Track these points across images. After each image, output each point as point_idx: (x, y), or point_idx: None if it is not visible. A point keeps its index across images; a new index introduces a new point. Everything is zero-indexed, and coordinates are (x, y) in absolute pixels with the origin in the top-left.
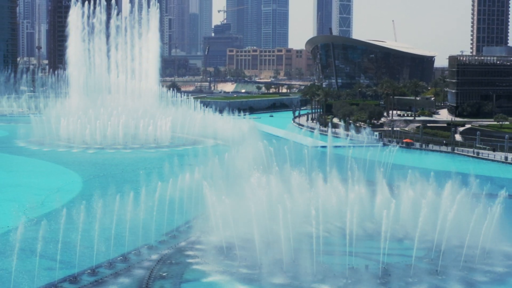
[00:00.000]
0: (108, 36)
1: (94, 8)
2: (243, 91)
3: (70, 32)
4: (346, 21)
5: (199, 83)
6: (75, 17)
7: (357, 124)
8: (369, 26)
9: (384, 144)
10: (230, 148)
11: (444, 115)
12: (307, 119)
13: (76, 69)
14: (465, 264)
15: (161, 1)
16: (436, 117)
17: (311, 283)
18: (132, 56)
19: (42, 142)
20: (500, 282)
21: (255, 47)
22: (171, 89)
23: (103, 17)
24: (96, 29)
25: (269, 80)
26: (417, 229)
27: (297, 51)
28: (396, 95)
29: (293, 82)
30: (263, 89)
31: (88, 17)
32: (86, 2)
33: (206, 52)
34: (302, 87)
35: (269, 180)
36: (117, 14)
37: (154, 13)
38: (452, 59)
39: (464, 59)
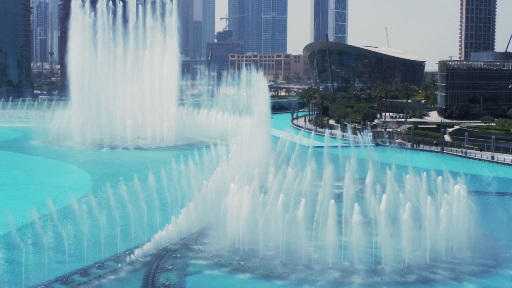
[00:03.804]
0: (118, 40)
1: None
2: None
3: (73, 36)
4: (341, 28)
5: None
6: (79, 20)
7: (352, 126)
8: (363, 33)
9: (377, 144)
10: (239, 148)
11: (434, 116)
12: (305, 121)
13: (79, 73)
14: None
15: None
16: (426, 119)
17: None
18: (151, 60)
19: (54, 142)
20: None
21: (255, 53)
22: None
23: (110, 21)
24: (103, 34)
25: (269, 84)
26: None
27: (295, 57)
28: (389, 98)
29: (291, 86)
30: None
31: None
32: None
33: (209, 57)
34: (300, 91)
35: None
36: (124, 20)
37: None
38: (442, 64)
39: (453, 63)
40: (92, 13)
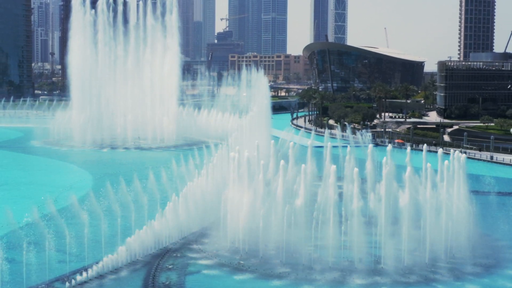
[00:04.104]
0: (117, 39)
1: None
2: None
3: (74, 36)
4: (341, 29)
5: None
6: (79, 20)
7: (352, 126)
8: (362, 33)
9: (377, 144)
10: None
11: (433, 117)
12: (305, 121)
13: (80, 73)
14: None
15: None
16: (425, 119)
17: None
18: (152, 61)
19: (55, 142)
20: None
21: (255, 53)
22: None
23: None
24: (105, 33)
25: (269, 84)
26: None
27: (295, 57)
28: (388, 98)
29: (291, 86)
30: None
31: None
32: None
33: (210, 58)
34: (300, 91)
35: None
36: (125, 21)
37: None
38: (441, 64)
39: (452, 64)
40: (93, 11)
